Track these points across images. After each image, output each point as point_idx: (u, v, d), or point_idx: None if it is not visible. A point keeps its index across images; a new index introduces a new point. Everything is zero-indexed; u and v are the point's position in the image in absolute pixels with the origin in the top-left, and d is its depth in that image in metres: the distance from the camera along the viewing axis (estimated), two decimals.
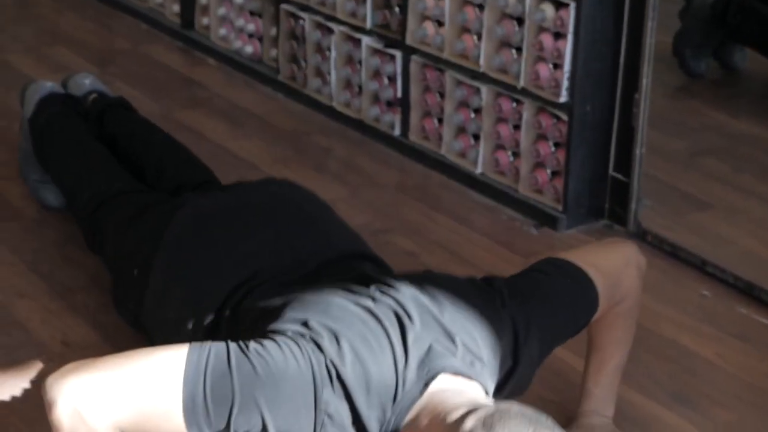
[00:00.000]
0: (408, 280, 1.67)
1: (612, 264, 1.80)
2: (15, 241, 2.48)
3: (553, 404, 1.95)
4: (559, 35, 2.47)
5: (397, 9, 2.87)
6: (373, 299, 1.62)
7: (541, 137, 2.57)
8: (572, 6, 2.40)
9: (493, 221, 2.62)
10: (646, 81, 2.41)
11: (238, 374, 1.48)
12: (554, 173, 2.58)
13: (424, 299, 1.62)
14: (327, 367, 1.51)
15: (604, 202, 2.57)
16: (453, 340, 1.57)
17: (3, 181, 2.73)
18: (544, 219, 2.57)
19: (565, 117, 2.49)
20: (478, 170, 2.74)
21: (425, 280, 1.69)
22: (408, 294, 1.63)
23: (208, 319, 1.76)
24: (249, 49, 3.45)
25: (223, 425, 1.49)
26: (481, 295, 1.67)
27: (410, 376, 1.53)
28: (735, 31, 3.32)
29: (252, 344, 1.53)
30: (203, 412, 1.47)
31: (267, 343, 1.53)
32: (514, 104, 2.61)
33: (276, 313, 1.61)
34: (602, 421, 1.86)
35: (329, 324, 1.55)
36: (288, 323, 1.57)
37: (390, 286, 1.65)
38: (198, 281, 1.83)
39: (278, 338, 1.54)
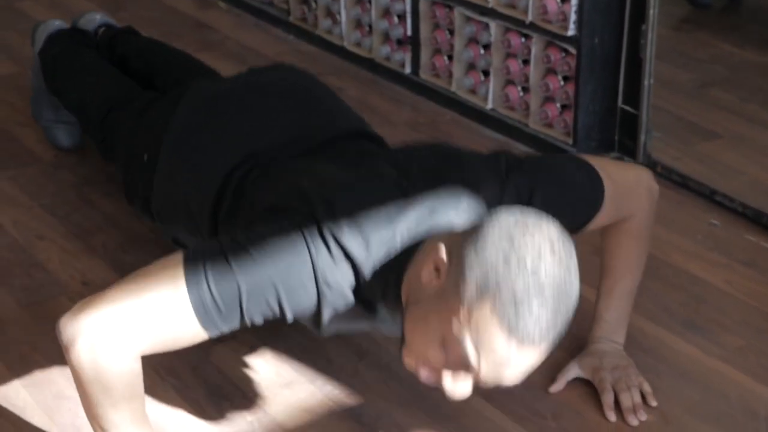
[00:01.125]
0: (410, 150, 1.69)
1: (624, 177, 1.79)
2: (32, 185, 2.52)
3: (567, 335, 1.97)
4: None
5: None
6: (374, 167, 1.63)
7: (550, 71, 2.58)
8: None
9: None
10: (653, 12, 2.41)
11: (236, 264, 1.48)
12: (564, 107, 2.59)
13: (427, 165, 1.62)
14: (322, 233, 1.50)
15: (614, 134, 2.58)
16: (455, 204, 1.56)
17: (19, 126, 2.76)
18: (555, 152, 2.59)
19: (573, 50, 2.50)
20: (489, 106, 2.75)
21: (427, 149, 1.70)
22: (410, 159, 1.64)
23: (211, 197, 1.77)
24: None
25: (238, 318, 1.49)
26: (485, 163, 1.66)
27: (408, 235, 1.52)
28: None
29: (242, 233, 1.54)
30: (215, 311, 1.48)
31: (258, 226, 1.55)
32: (523, 39, 2.61)
33: (274, 188, 1.63)
34: (613, 347, 1.88)
35: (324, 192, 1.55)
36: (284, 198, 1.59)
37: (393, 155, 1.68)
38: (201, 159, 1.84)
39: (270, 217, 1.56)
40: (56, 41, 2.55)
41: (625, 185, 1.79)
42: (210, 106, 1.96)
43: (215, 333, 1.51)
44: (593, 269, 1.86)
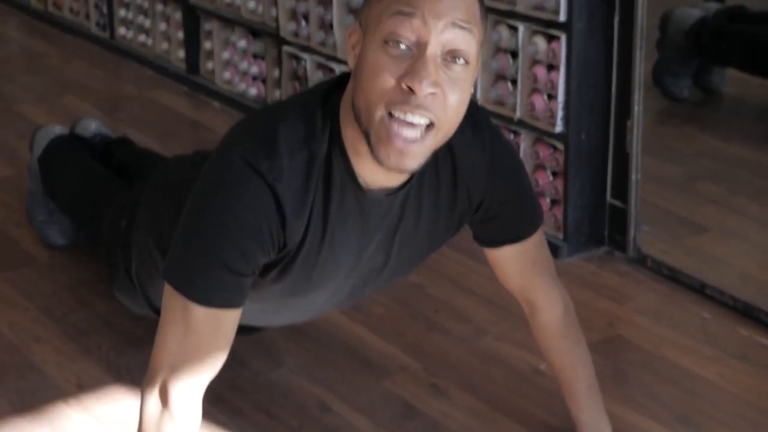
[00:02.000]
0: None
1: (550, 259, 1.87)
2: (29, 286, 2.53)
3: (558, 430, 1.99)
4: (551, 67, 2.52)
5: None
6: None
7: (540, 167, 2.62)
8: (563, 39, 2.46)
9: None
10: (637, 108, 2.46)
11: (205, 247, 1.52)
12: (553, 202, 2.63)
13: None
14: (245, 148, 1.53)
15: (604, 228, 2.61)
16: None
17: (16, 227, 2.79)
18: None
19: (561, 146, 2.54)
20: None
21: None
22: None
23: None
24: (253, 91, 3.52)
25: (246, 277, 1.55)
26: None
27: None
28: (713, 55, 3.38)
29: (188, 206, 1.59)
30: (227, 293, 1.53)
31: (198, 187, 1.58)
32: (512, 135, 2.66)
33: None
34: None
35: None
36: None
37: None
38: (179, 190, 1.86)
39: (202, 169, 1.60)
40: (55, 148, 2.61)
41: (548, 261, 1.86)
42: (188, 163, 2.03)
43: (242, 301, 1.56)
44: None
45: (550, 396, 2.09)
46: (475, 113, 1.64)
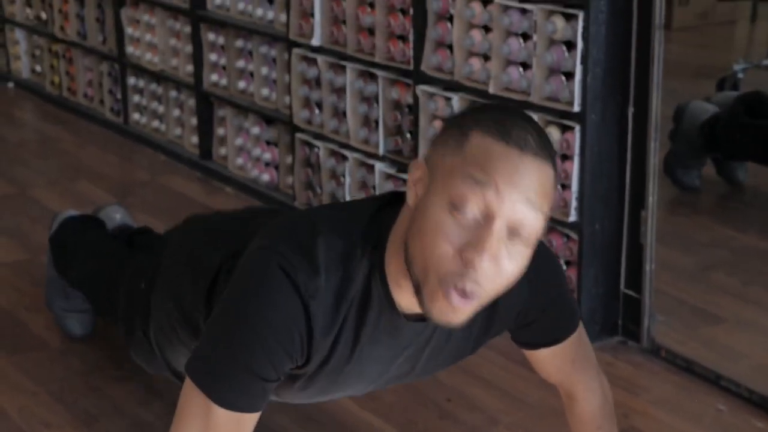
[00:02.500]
0: None
1: (591, 351, 1.85)
2: (40, 371, 2.52)
3: None
4: (565, 157, 2.54)
5: (408, 135, 2.96)
6: None
7: None
8: (577, 129, 2.48)
9: (509, 339, 2.65)
10: (652, 199, 2.47)
11: (232, 349, 1.50)
12: None
13: None
14: (283, 256, 1.51)
15: (618, 318, 2.60)
16: None
17: (27, 312, 2.78)
18: None
19: (575, 236, 2.55)
20: None
21: None
22: None
23: (206, 285, 1.78)
24: (266, 177, 3.55)
25: (269, 384, 1.52)
26: None
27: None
28: (730, 148, 3.40)
29: (218, 309, 1.57)
30: (250, 397, 1.51)
31: (229, 291, 1.57)
32: None
33: None
34: None
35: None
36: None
37: None
38: (197, 256, 1.86)
39: (235, 271, 1.58)
40: (68, 225, 2.62)
41: (589, 354, 1.84)
42: (206, 222, 2.04)
43: (264, 405, 1.54)
44: None
45: None
46: None
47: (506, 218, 1.38)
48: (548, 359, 1.80)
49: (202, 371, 1.53)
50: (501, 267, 1.40)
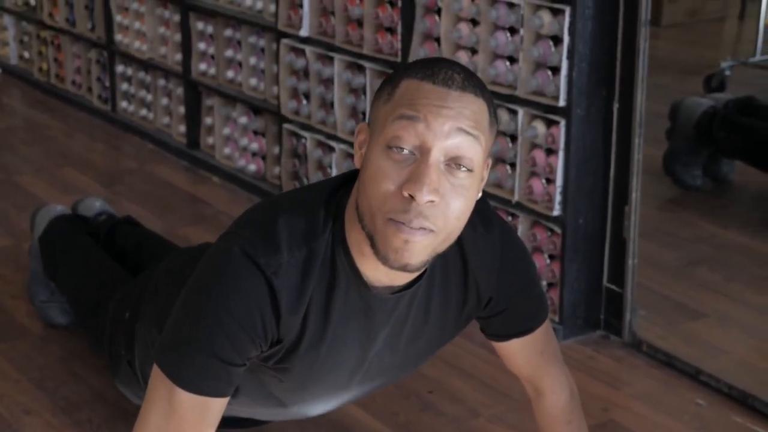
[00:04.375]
0: None
1: (556, 347, 1.86)
2: (21, 358, 2.52)
3: None
4: (550, 152, 2.54)
5: None
6: None
7: (536, 250, 2.63)
8: (562, 124, 2.49)
9: None
10: (635, 194, 2.48)
11: (196, 337, 1.52)
12: (550, 285, 2.63)
13: None
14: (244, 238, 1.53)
15: (600, 312, 2.61)
16: None
17: (11, 299, 2.78)
18: None
19: (558, 230, 2.55)
20: None
21: None
22: None
23: None
24: (252, 167, 3.55)
25: (237, 369, 1.54)
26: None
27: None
28: (722, 146, 3.41)
29: (182, 297, 1.59)
30: (216, 381, 1.52)
31: (193, 278, 1.59)
32: (510, 218, 2.67)
33: None
34: None
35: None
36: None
37: None
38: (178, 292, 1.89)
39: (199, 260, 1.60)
40: (56, 227, 2.61)
41: (556, 349, 1.85)
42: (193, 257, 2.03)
43: (230, 391, 1.55)
44: None
45: None
46: (485, 209, 1.65)
47: (441, 149, 1.43)
48: (518, 351, 1.81)
49: (166, 355, 1.54)
50: (446, 201, 1.43)
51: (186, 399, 1.52)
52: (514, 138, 2.63)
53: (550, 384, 1.85)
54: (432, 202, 1.42)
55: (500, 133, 2.66)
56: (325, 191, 1.58)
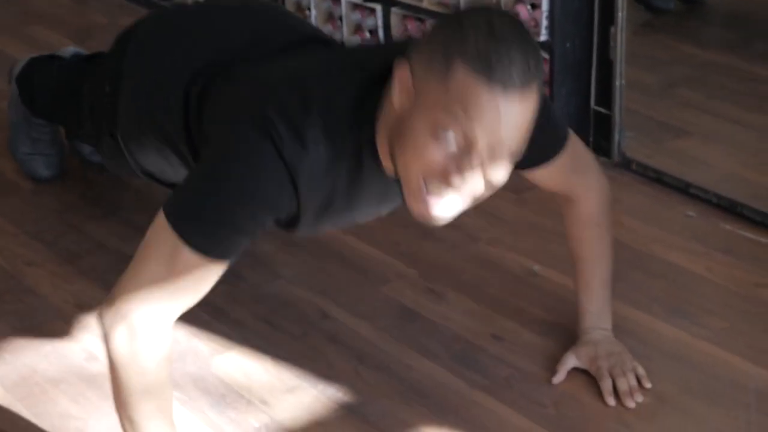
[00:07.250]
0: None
1: (587, 154, 1.90)
2: (15, 213, 2.51)
3: (558, 327, 2.04)
4: None
5: None
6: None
7: None
8: None
9: None
10: (621, 15, 2.48)
11: (213, 197, 1.52)
12: None
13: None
14: (275, 126, 1.53)
15: (589, 135, 2.64)
16: None
17: None
18: None
19: (547, 55, 2.56)
20: None
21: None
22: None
23: (179, 108, 1.80)
24: None
25: (241, 240, 1.55)
26: None
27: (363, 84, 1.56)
28: None
29: (208, 156, 1.60)
30: (218, 245, 1.52)
31: (218, 143, 1.59)
32: None
33: (233, 93, 1.67)
34: (603, 335, 1.94)
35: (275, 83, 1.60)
36: (240, 103, 1.62)
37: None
38: (163, 69, 1.86)
39: (227, 131, 1.59)
40: (33, 61, 2.57)
41: (586, 159, 1.89)
42: (169, 21, 2.01)
43: (231, 259, 1.56)
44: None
45: (545, 294, 2.14)
46: None
47: (485, 153, 1.43)
48: (547, 176, 1.83)
49: (181, 215, 1.52)
50: (482, 185, 1.46)
51: (190, 257, 1.52)
52: None
53: (582, 192, 1.89)
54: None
55: None
56: (356, 84, 1.56)
